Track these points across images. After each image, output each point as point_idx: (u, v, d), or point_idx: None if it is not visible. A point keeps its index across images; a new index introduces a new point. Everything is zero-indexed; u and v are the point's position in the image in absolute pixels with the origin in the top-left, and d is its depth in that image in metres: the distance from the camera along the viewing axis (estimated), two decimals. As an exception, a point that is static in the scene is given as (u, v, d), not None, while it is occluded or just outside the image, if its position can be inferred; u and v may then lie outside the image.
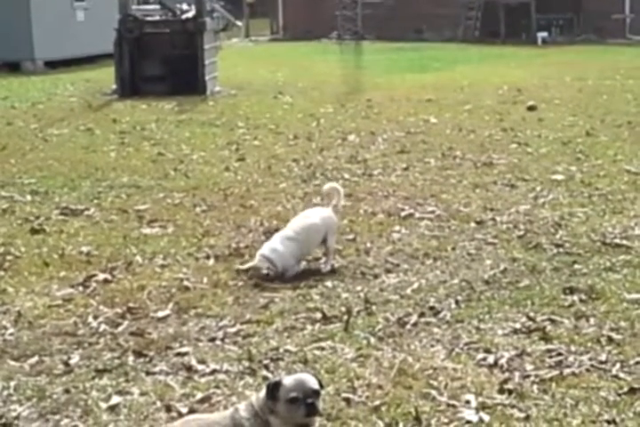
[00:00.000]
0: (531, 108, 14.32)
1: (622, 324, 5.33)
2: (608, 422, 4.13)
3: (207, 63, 16.98)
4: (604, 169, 9.76)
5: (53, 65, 22.00)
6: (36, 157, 10.98)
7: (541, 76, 19.21)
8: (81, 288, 6.21)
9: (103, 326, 5.50)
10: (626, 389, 4.46)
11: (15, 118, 14.19)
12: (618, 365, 4.76)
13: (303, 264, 6.65)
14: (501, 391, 4.49)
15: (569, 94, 16.17)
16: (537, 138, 11.80)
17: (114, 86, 17.09)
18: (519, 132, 12.29)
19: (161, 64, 16.94)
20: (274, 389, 3.78)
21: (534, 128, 12.53)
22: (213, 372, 4.82)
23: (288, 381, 3.81)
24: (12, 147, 11.67)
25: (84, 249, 7.08)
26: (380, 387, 4.56)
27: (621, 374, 4.64)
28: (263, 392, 3.85)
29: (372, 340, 5.22)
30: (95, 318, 5.64)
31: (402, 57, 25.52)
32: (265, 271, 6.30)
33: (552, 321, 5.40)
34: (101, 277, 6.40)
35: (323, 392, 3.92)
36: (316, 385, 3.84)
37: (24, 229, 7.74)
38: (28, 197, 8.88)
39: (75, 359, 5.00)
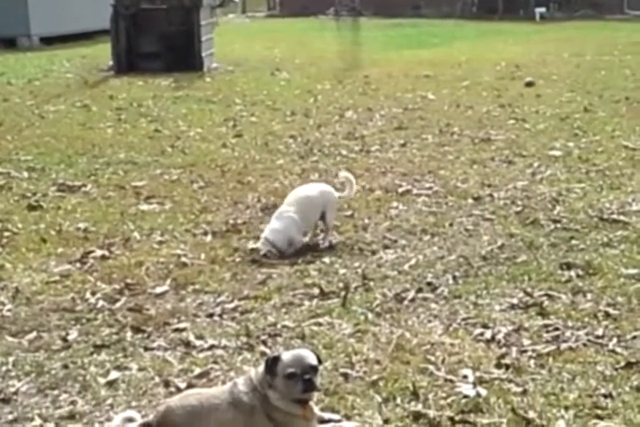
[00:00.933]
0: (529, 84, 14.28)
1: (619, 299, 5.34)
2: (605, 396, 4.15)
3: (204, 39, 16.90)
4: (602, 145, 9.75)
5: (49, 41, 21.88)
6: (33, 133, 10.94)
7: (539, 51, 19.14)
8: (78, 264, 6.21)
9: (101, 302, 5.50)
10: (622, 363, 4.48)
11: (11, 95, 14.13)
12: (615, 339, 4.78)
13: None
14: (499, 366, 4.51)
15: (567, 70, 16.12)
16: (535, 114, 11.77)
17: (110, 63, 17.01)
18: (517, 108, 12.26)
19: (157, 40, 16.84)
20: (272, 364, 3.79)
21: (532, 104, 12.50)
22: (211, 347, 4.83)
23: (286, 356, 3.83)
24: (9, 123, 11.63)
25: (82, 225, 7.08)
26: (377, 362, 4.58)
27: (618, 349, 4.66)
28: (262, 367, 3.86)
29: (370, 315, 5.23)
30: (93, 294, 5.64)
31: (399, 33, 25.42)
32: (266, 254, 6.28)
33: (549, 296, 5.41)
34: (99, 253, 6.40)
35: (321, 368, 3.93)
36: (314, 361, 3.85)
37: (21, 205, 7.73)
38: (25, 174, 8.86)
39: (73, 335, 5.01)
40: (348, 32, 26.92)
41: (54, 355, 4.76)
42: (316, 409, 3.92)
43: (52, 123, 11.71)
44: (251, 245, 6.55)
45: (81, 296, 5.60)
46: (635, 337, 4.80)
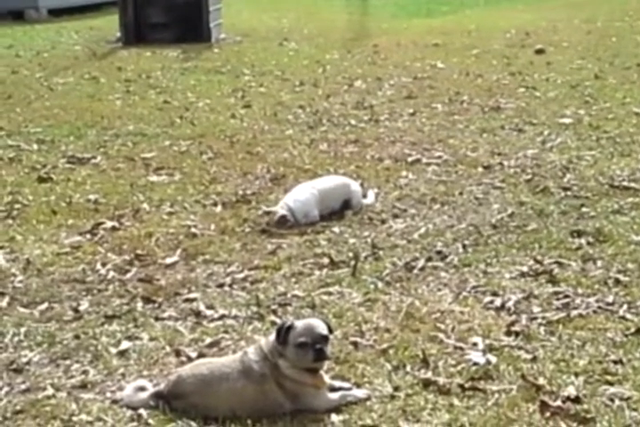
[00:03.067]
0: (539, 52, 14.16)
1: (630, 266, 5.33)
2: (615, 362, 4.15)
3: (212, 10, 16.78)
4: (613, 112, 9.68)
5: (57, 13, 21.76)
6: (42, 105, 10.93)
7: (550, 19, 18.94)
8: (89, 236, 6.23)
9: (112, 273, 5.53)
10: (633, 329, 4.47)
11: (20, 67, 14.10)
12: (625, 306, 4.77)
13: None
14: (508, 334, 4.51)
15: (577, 37, 15.97)
16: (545, 82, 11.69)
17: (118, 34, 16.92)
18: (527, 76, 12.17)
19: (165, 11, 16.73)
20: (285, 332, 3.80)
21: (542, 72, 12.40)
22: (222, 317, 4.85)
23: (298, 325, 3.84)
24: (18, 96, 11.62)
25: (92, 197, 7.09)
26: (387, 331, 4.59)
27: (628, 315, 4.66)
28: (273, 336, 3.88)
29: (380, 284, 5.23)
30: (103, 265, 5.66)
31: (408, 1, 25.16)
32: (284, 216, 6.27)
33: (559, 264, 5.40)
34: (109, 224, 6.42)
35: (331, 337, 3.95)
36: (325, 331, 3.87)
37: (31, 177, 7.75)
38: (35, 146, 8.86)
39: (84, 306, 5.03)
40: (356, 1, 26.68)
41: (66, 325, 4.79)
42: (327, 377, 3.94)
43: (61, 95, 11.69)
44: (264, 208, 6.54)
45: (92, 267, 5.63)
46: (645, 304, 4.80)
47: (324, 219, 6.50)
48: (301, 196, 6.49)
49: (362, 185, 6.99)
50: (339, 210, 6.59)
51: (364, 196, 6.81)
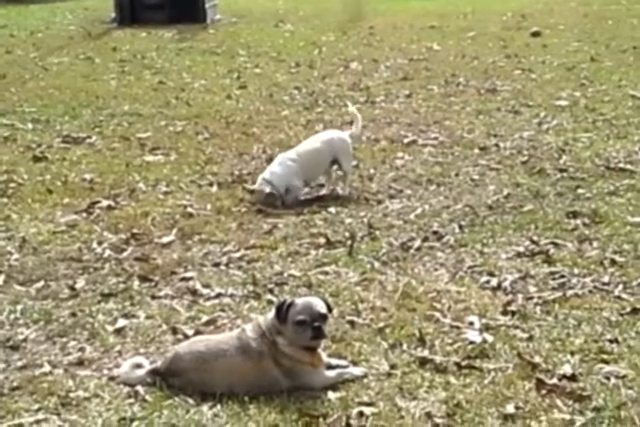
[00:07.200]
0: (535, 34, 14.13)
1: (625, 246, 5.34)
2: (610, 341, 4.17)
3: (207, -10, 16.71)
4: (609, 94, 9.67)
5: (51, -7, 21.63)
6: (37, 85, 10.89)
7: (546, 1, 18.89)
8: (85, 215, 6.22)
9: (108, 252, 5.52)
10: (628, 309, 4.49)
11: (14, 47, 14.04)
12: (620, 286, 4.79)
13: (306, 190, 6.64)
14: (505, 313, 4.52)
15: (574, 20, 15.93)
16: (541, 64, 11.67)
17: (113, 14, 16.84)
18: (523, 58, 12.15)
19: (160, -9, 16.64)
20: (285, 310, 3.80)
21: (538, 54, 12.38)
22: (218, 296, 4.85)
23: (298, 303, 3.85)
24: (12, 75, 11.57)
25: (87, 176, 7.08)
26: (384, 310, 4.59)
27: (624, 295, 4.67)
28: (271, 314, 3.88)
29: (376, 264, 5.24)
30: (100, 243, 5.66)
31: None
32: (267, 191, 6.27)
33: (555, 244, 5.41)
34: (105, 203, 6.41)
35: (330, 316, 3.95)
36: (323, 309, 3.88)
37: (26, 156, 7.72)
38: (30, 126, 8.84)
39: (80, 284, 5.03)
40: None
41: (62, 303, 4.79)
42: (324, 355, 3.95)
43: (56, 75, 11.65)
44: (247, 186, 6.55)
45: (88, 246, 5.62)
46: (640, 284, 4.82)
47: (320, 199, 6.50)
48: (279, 169, 6.43)
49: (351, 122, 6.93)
50: (330, 172, 6.57)
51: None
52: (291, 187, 6.38)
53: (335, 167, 6.62)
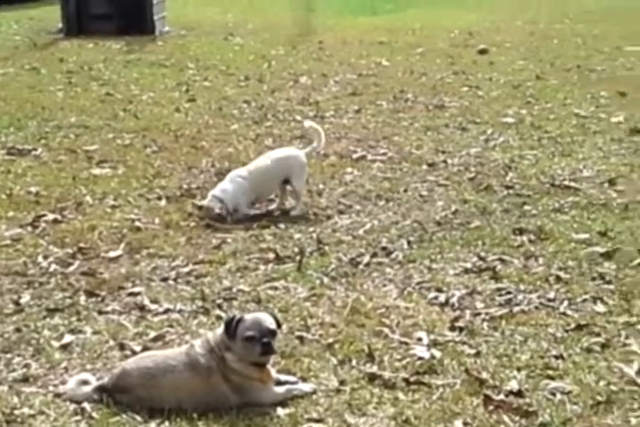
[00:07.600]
0: (482, 52, 14.31)
1: (570, 263, 5.42)
2: (556, 357, 4.22)
3: (155, 2, 16.60)
4: (554, 112, 9.83)
5: (-4, 3, 21.37)
6: (-19, 96, 10.73)
7: (493, 19, 19.16)
8: (30, 228, 6.14)
9: (54, 266, 5.45)
10: (573, 325, 4.55)
11: (-42, 57, 13.83)
12: (565, 302, 4.86)
13: (256, 206, 6.64)
14: (452, 329, 4.56)
15: (520, 38, 16.16)
16: (488, 81, 11.82)
17: (59, 25, 16.66)
18: (470, 75, 12.29)
19: (108, 2, 16.50)
20: (235, 326, 3.79)
21: (485, 71, 12.54)
22: (167, 311, 4.82)
23: (247, 319, 3.84)
24: (-44, 86, 11.40)
25: (33, 189, 6.99)
26: (333, 325, 4.60)
27: (569, 312, 4.74)
28: (220, 329, 3.87)
29: (325, 280, 5.25)
30: (45, 258, 5.59)
31: (353, -1, 25.22)
32: (217, 211, 6.28)
33: (502, 261, 5.47)
34: (51, 217, 6.34)
35: (279, 331, 3.95)
36: (272, 325, 3.87)
37: (-30, 169, 7.61)
38: (-26, 137, 8.71)
39: (25, 299, 4.96)
40: (301, -3, 26.67)
41: (7, 319, 4.72)
42: (273, 371, 3.94)
43: (1, 86, 11.48)
44: (197, 202, 6.53)
45: (33, 260, 5.55)
46: (585, 300, 4.89)
47: (269, 214, 6.51)
48: (231, 186, 6.42)
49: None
50: (282, 189, 6.57)
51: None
52: (240, 205, 6.38)
53: (289, 187, 6.60)
